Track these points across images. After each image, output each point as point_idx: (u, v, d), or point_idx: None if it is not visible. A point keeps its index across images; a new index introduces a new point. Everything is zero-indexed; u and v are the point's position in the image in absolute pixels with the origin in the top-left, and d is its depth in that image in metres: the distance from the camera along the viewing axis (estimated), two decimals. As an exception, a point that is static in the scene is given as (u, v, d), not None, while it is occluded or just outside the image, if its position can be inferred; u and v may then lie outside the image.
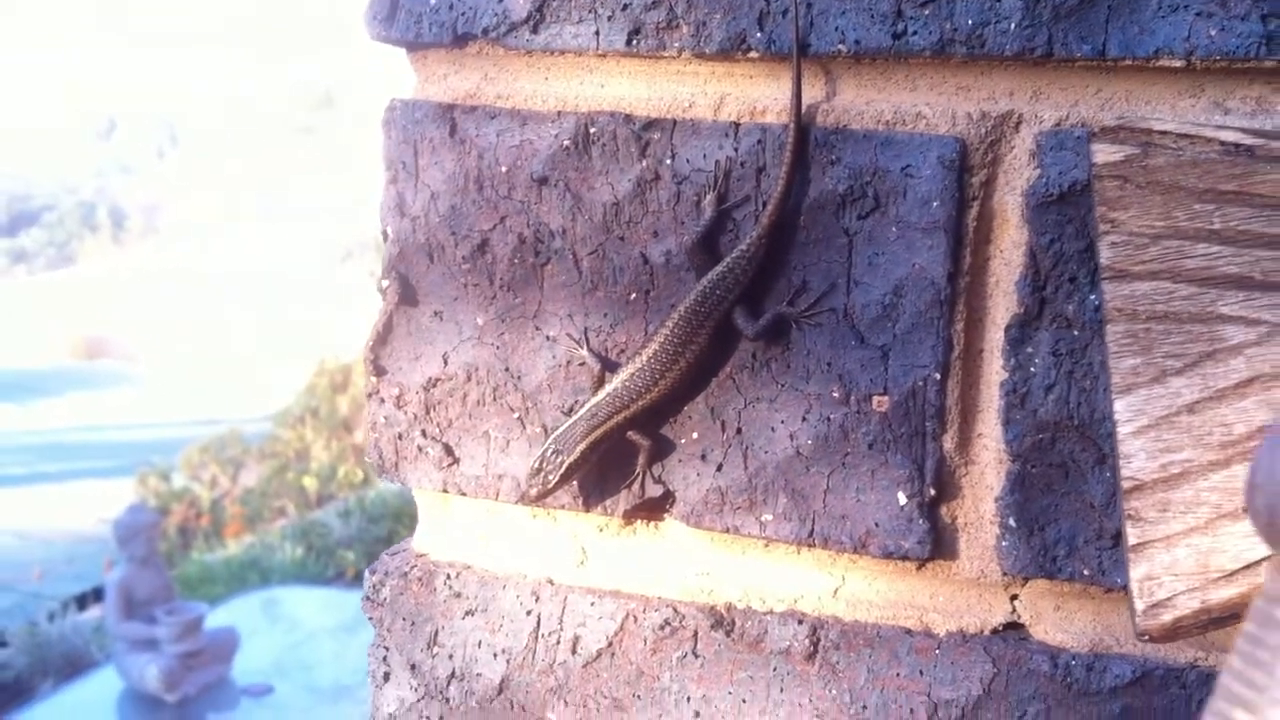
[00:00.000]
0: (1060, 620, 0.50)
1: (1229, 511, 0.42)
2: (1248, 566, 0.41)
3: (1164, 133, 0.44)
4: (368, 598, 0.57)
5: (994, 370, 0.49)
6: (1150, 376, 0.43)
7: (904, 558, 0.50)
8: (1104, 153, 0.45)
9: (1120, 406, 0.43)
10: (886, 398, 0.49)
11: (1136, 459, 0.43)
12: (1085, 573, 0.48)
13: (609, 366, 0.52)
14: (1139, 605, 0.42)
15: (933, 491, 0.49)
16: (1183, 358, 0.43)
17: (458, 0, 0.52)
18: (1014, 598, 0.51)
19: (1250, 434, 0.42)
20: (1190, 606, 0.42)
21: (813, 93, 0.50)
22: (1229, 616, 0.42)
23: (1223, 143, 0.44)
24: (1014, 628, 0.51)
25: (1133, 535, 0.43)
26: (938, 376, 0.49)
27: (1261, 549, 0.41)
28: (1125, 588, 0.45)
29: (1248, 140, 0.43)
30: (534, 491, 0.52)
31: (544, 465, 0.52)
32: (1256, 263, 0.43)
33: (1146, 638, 0.43)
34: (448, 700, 0.56)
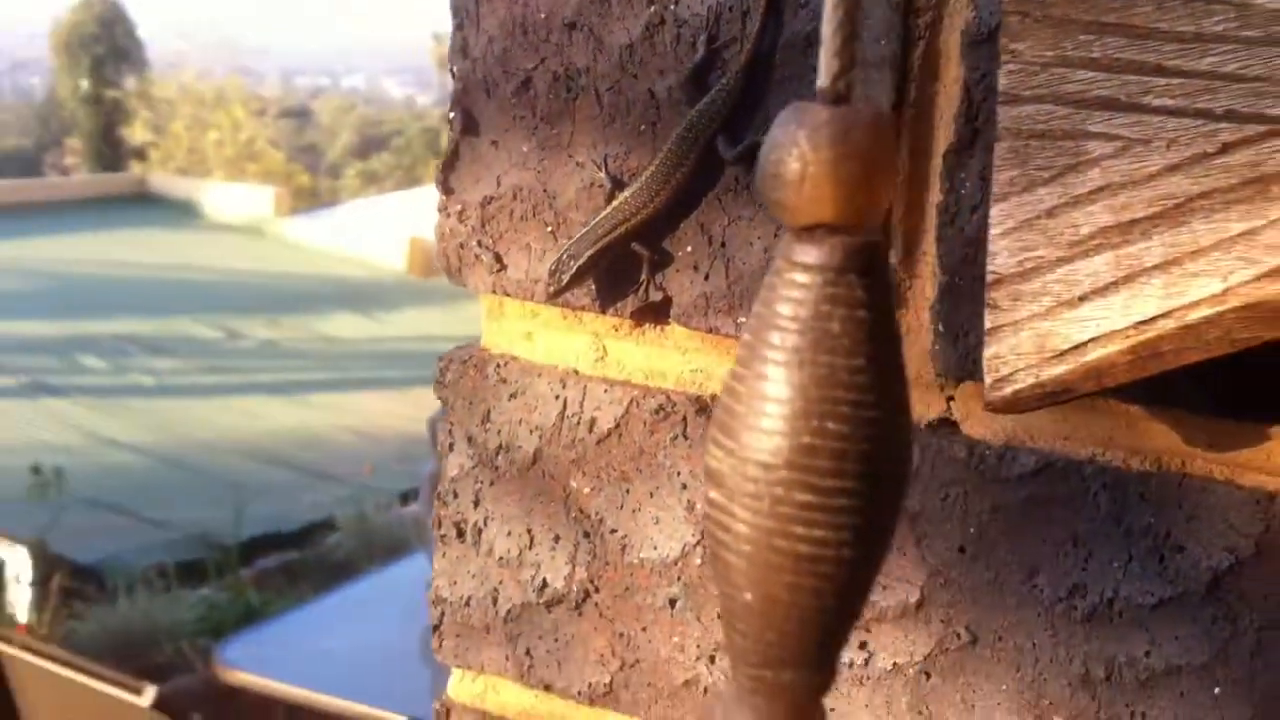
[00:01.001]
0: (985, 418, 0.56)
1: (1066, 300, 0.48)
2: (1075, 347, 0.47)
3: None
4: (438, 380, 0.69)
5: (934, 194, 0.56)
6: (1022, 186, 0.49)
7: (853, 357, 0.57)
8: (1010, -13, 0.50)
9: (994, 212, 0.50)
10: (841, 215, 0.57)
11: (1000, 256, 0.49)
12: (1001, 374, 0.54)
13: (619, 187, 0.61)
14: (988, 381, 0.49)
15: (876, 299, 0.56)
16: (1050, 169, 0.49)
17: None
18: (950, 399, 0.57)
19: (1093, 234, 0.47)
20: (1027, 382, 0.48)
21: (791, -56, 0.57)
22: (1061, 392, 0.48)
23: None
24: (947, 423, 0.57)
25: (989, 321, 0.49)
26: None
27: (1088, 332, 0.47)
28: (986, 369, 0.51)
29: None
30: (551, 289, 0.62)
31: (559, 267, 0.62)
32: (1124, 85, 0.48)
33: (993, 409, 0.49)
34: (496, 468, 0.67)
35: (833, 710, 0.60)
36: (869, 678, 0.59)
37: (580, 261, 0.61)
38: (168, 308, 11.79)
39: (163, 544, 7.24)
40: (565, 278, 0.61)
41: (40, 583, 7.81)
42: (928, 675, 0.58)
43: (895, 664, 0.59)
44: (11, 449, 8.95)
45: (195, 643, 5.34)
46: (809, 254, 0.30)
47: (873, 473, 0.29)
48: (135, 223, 15.14)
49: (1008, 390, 0.49)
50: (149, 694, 3.13)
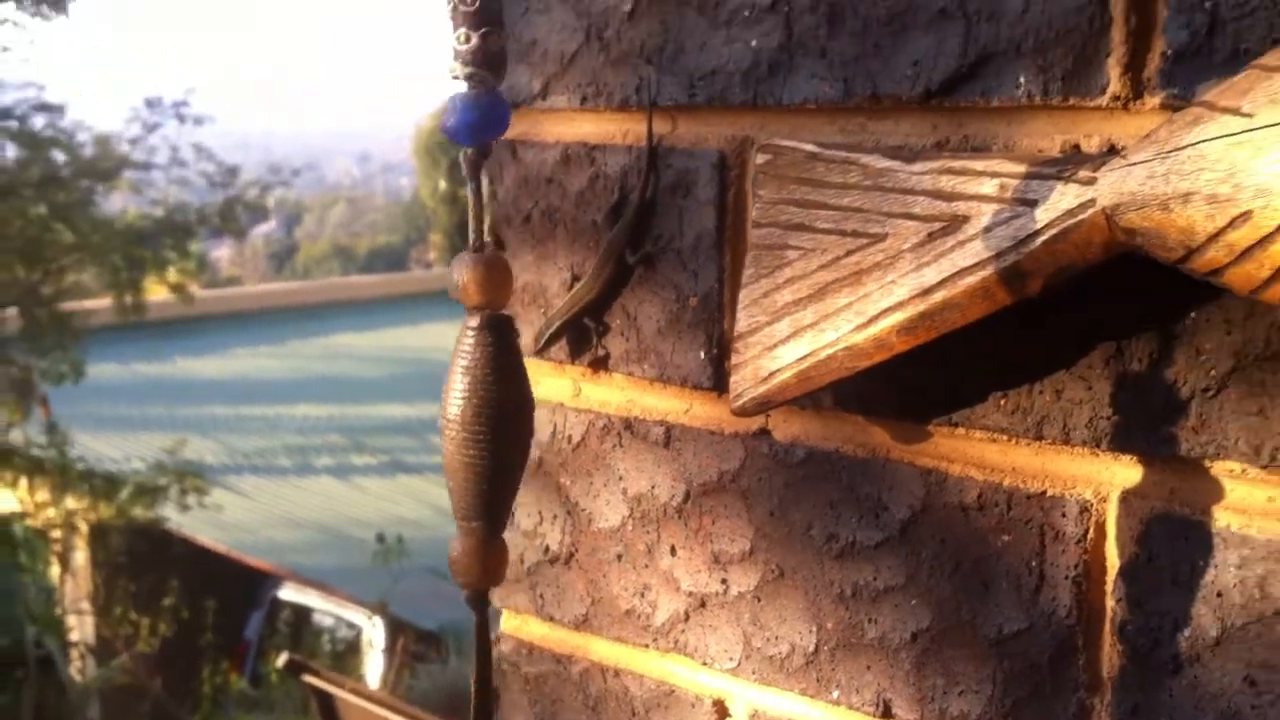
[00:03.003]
0: (785, 427, 0.86)
1: (768, 347, 0.78)
2: (769, 375, 0.77)
3: (783, 146, 0.81)
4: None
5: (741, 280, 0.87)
6: (753, 279, 0.80)
7: (708, 389, 0.89)
8: (760, 157, 0.82)
9: (740, 295, 0.81)
10: (696, 298, 0.89)
11: (740, 322, 0.80)
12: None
13: (577, 281, 0.95)
14: (731, 397, 0.80)
15: (715, 351, 0.88)
16: (768, 268, 0.79)
17: (507, 86, 0.97)
18: (768, 415, 0.88)
19: (782, 307, 0.78)
20: (749, 397, 0.79)
21: (662, 127, 0.90)
22: (766, 403, 0.78)
23: (806, 152, 0.79)
24: (764, 431, 0.88)
25: (732, 360, 0.80)
26: (718, 286, 0.87)
27: (776, 365, 0.77)
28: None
29: (814, 149, 0.79)
30: (535, 349, 0.96)
31: (539, 335, 0.96)
32: (805, 215, 0.78)
33: (738, 414, 0.80)
34: (520, 471, 1.01)
35: (709, 626, 0.91)
36: (727, 602, 0.90)
37: (551, 330, 0.95)
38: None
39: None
40: (543, 341, 0.96)
41: (389, 648, 8.60)
42: (759, 599, 0.88)
43: (740, 592, 0.89)
44: (369, 522, 9.85)
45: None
46: (471, 320, 0.63)
47: (500, 428, 0.62)
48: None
49: (740, 402, 0.79)
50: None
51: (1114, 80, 0.68)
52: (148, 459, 10.09)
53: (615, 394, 0.96)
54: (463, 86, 0.60)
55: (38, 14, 8.28)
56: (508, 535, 0.99)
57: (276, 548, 10.55)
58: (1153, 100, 0.67)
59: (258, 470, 12.19)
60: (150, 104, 9.20)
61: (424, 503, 11.10)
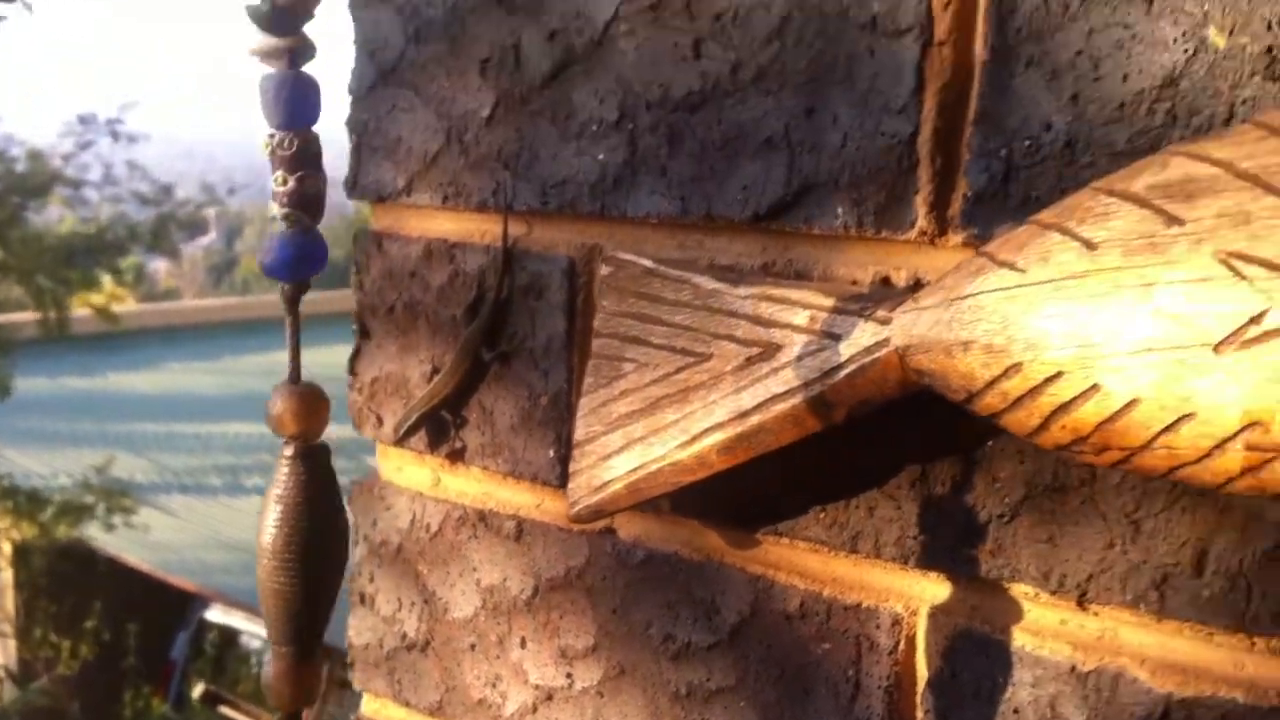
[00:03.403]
0: (628, 527, 0.89)
1: (603, 456, 0.80)
2: (602, 485, 0.80)
3: (624, 259, 0.83)
4: (350, 497, 1.05)
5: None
6: (592, 389, 0.82)
7: (556, 487, 0.91)
8: (603, 270, 0.84)
9: (580, 403, 0.83)
10: (546, 397, 0.91)
11: (578, 430, 0.82)
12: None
13: (436, 374, 0.97)
14: (569, 503, 0.82)
15: (565, 451, 0.90)
16: (606, 379, 0.82)
17: (374, 179, 0.99)
18: (612, 516, 0.90)
19: (617, 418, 0.80)
20: (584, 504, 0.81)
21: (518, 230, 0.92)
22: (599, 512, 0.80)
23: (644, 267, 0.82)
24: (610, 530, 0.90)
25: (571, 468, 0.82)
26: (566, 387, 0.90)
27: (610, 475, 0.79)
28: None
29: (651, 265, 0.82)
30: (396, 438, 0.98)
31: (399, 425, 0.98)
32: (642, 328, 0.81)
33: (574, 520, 0.82)
34: (380, 556, 1.03)
35: (555, 719, 0.93)
36: (572, 696, 0.92)
37: (410, 421, 0.97)
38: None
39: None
40: (402, 431, 0.97)
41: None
42: (602, 695, 0.90)
43: (584, 687, 0.91)
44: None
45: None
46: (286, 449, 0.65)
47: (310, 556, 0.64)
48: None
49: (576, 509, 0.82)
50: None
51: (921, 217, 0.72)
52: (75, 475, 9.96)
53: (472, 485, 0.98)
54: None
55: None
56: (369, 617, 1.01)
57: (204, 568, 10.43)
58: (955, 238, 0.71)
59: (187, 489, 12.05)
60: (84, 120, 9.11)
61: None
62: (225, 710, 4.54)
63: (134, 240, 9.73)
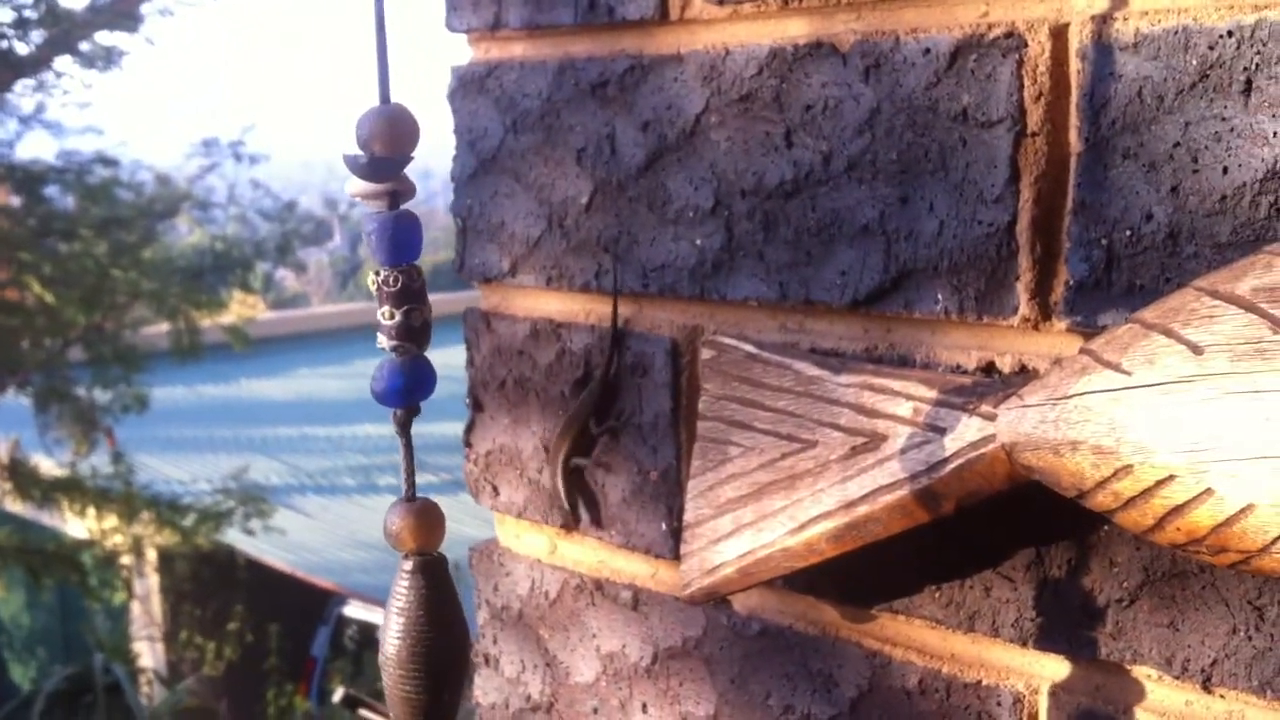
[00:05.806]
0: (743, 600, 0.90)
1: (714, 540, 0.81)
2: (714, 568, 0.81)
3: (725, 343, 0.84)
4: (470, 563, 1.08)
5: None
6: (700, 472, 0.84)
7: (668, 558, 0.93)
8: (704, 353, 0.85)
9: (689, 485, 0.84)
10: (656, 472, 0.93)
11: (688, 513, 0.84)
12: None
13: (547, 450, 0.99)
14: (681, 585, 0.83)
15: (677, 524, 0.92)
16: (714, 462, 0.83)
17: (480, 261, 1.02)
18: (727, 586, 0.91)
19: (726, 502, 0.81)
20: (697, 587, 0.82)
21: (626, 310, 0.94)
22: (711, 594, 0.82)
23: (745, 352, 0.83)
24: (725, 601, 0.91)
25: (681, 550, 0.84)
26: (675, 463, 0.91)
27: (721, 558, 0.81)
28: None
29: (753, 350, 0.82)
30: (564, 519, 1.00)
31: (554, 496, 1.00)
32: (747, 413, 0.82)
33: (688, 601, 0.83)
34: (502, 620, 1.06)
35: (679, 783, 0.94)
36: (695, 763, 0.93)
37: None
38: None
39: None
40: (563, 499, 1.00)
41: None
42: (724, 762, 0.92)
43: (706, 754, 0.93)
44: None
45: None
46: (406, 565, 0.67)
47: (433, 667, 0.66)
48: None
49: (689, 591, 0.83)
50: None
51: (1023, 303, 0.71)
52: (214, 481, 10.25)
53: (588, 554, 1.00)
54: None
55: (92, 67, 8.45)
56: (494, 678, 1.03)
57: (341, 567, 10.66)
58: (1060, 324, 0.70)
59: (322, 491, 12.34)
60: (207, 144, 9.36)
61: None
62: (364, 713, 4.66)
63: (260, 257, 9.98)
